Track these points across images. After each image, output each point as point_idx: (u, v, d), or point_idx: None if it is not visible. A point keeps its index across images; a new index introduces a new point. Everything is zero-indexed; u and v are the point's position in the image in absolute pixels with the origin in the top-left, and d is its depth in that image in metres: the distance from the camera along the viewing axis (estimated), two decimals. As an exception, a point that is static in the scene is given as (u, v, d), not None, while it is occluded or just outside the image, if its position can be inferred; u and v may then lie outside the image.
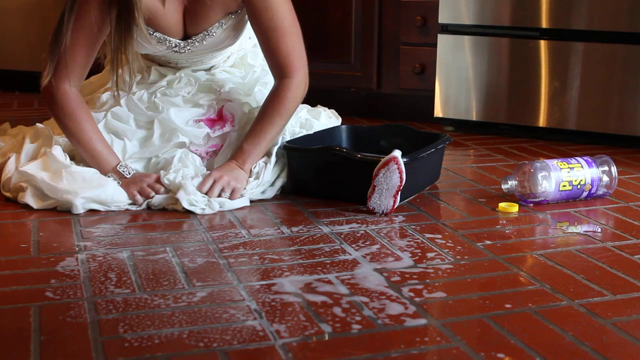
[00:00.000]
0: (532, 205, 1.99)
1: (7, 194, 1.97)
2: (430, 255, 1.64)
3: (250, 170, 1.98)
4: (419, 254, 1.64)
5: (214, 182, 1.91)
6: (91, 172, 1.94)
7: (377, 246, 1.69)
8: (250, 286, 1.47)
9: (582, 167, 2.00)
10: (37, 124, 2.14)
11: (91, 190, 1.87)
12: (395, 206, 1.89)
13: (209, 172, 1.97)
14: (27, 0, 3.49)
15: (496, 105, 2.78)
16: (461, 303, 1.41)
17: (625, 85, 2.59)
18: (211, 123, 2.06)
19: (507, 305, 1.39)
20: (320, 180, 2.00)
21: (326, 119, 2.35)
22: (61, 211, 1.88)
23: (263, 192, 1.99)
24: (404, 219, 1.88)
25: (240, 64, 2.24)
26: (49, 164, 1.93)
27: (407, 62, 2.94)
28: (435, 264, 1.59)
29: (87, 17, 1.88)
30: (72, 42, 1.90)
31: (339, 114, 2.48)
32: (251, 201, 1.97)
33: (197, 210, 1.87)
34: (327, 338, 1.27)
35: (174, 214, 1.88)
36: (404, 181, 1.85)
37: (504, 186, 2.03)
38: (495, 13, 2.71)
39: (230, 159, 1.99)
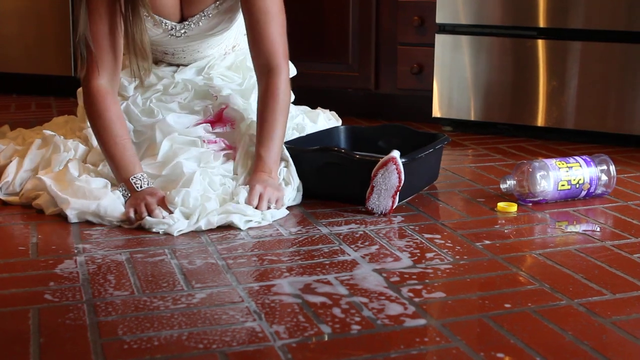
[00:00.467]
0: (530, 204, 1.99)
1: (9, 199, 1.96)
2: (429, 255, 1.64)
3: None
4: (418, 254, 1.64)
5: (261, 196, 1.86)
6: (96, 185, 1.88)
7: (376, 247, 1.69)
8: (249, 287, 1.47)
9: (580, 166, 2.00)
10: (45, 130, 2.13)
11: (82, 202, 1.82)
12: (394, 206, 1.89)
13: (246, 185, 1.90)
14: (23, 3, 3.49)
15: (494, 105, 2.78)
16: (460, 303, 1.41)
17: (623, 84, 2.59)
18: (211, 125, 2.06)
19: (507, 305, 1.39)
20: (319, 181, 2.00)
21: (325, 120, 2.34)
22: (58, 214, 1.88)
23: (294, 202, 1.98)
24: (403, 219, 1.87)
25: (238, 67, 2.23)
26: (65, 176, 1.92)
27: (405, 62, 2.94)
28: (434, 264, 1.59)
29: (98, 8, 1.88)
30: (93, 35, 1.89)
31: (337, 114, 2.47)
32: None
33: (253, 225, 1.81)
34: (326, 339, 1.27)
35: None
36: (402, 181, 1.85)
37: (502, 186, 2.03)
38: (493, 13, 2.72)
39: (257, 170, 1.92)
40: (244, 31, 2.22)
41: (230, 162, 2.00)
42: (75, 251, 1.65)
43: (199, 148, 1.99)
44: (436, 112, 2.86)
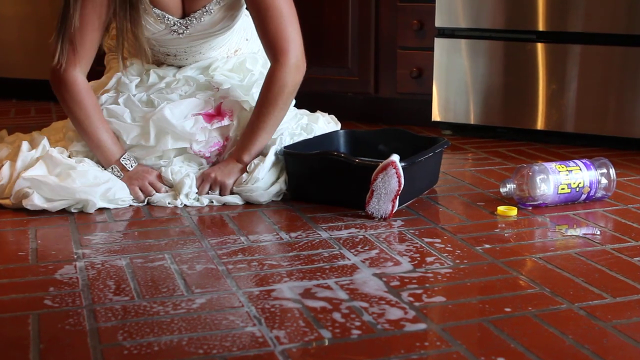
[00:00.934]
0: (530, 208, 1.98)
1: (4, 201, 1.96)
2: (429, 259, 1.64)
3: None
4: (418, 259, 1.64)
5: (203, 181, 2.00)
6: (97, 169, 2.00)
7: (376, 251, 1.69)
8: (249, 292, 1.47)
9: (580, 169, 2.00)
10: (34, 132, 2.14)
11: (103, 186, 1.93)
12: (394, 211, 1.89)
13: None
14: (23, 8, 3.49)
15: (494, 109, 2.78)
16: (461, 307, 1.41)
17: (623, 87, 2.59)
18: (209, 118, 2.06)
19: (507, 309, 1.39)
20: (319, 185, 2.00)
21: (325, 124, 2.34)
22: (59, 218, 1.88)
23: (253, 193, 1.98)
24: (403, 223, 1.87)
25: (239, 69, 2.24)
26: (51, 167, 1.94)
27: (405, 66, 2.94)
28: (434, 268, 1.59)
29: (91, 4, 1.93)
30: (81, 26, 1.95)
31: (337, 118, 2.47)
32: (249, 203, 2.00)
33: (178, 204, 1.97)
34: (326, 344, 1.27)
35: (173, 221, 1.88)
36: (402, 185, 1.85)
37: (502, 190, 2.02)
38: (492, 16, 2.72)
39: (230, 155, 2.05)
40: (246, 36, 2.23)
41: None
42: (75, 256, 1.65)
43: (187, 151, 2.06)
44: (436, 116, 2.86)
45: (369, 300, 1.43)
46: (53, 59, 1.99)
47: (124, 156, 2.01)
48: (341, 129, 2.37)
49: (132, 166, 2.00)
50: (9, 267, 1.60)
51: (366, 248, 1.70)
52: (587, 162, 2.03)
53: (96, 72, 2.20)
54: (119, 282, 1.52)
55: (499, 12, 2.70)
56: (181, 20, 2.03)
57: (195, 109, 2.06)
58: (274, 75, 2.01)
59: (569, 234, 1.80)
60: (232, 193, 2.01)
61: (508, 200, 2.04)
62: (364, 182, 1.88)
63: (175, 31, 2.04)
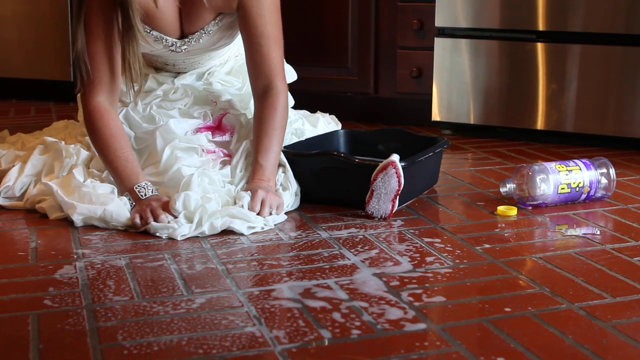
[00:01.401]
0: (530, 208, 1.98)
1: (12, 204, 1.97)
2: (429, 259, 1.64)
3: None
4: (418, 258, 1.64)
5: (263, 202, 1.85)
6: (102, 191, 1.89)
7: (376, 251, 1.69)
8: (249, 292, 1.47)
9: (580, 169, 2.00)
10: (46, 137, 2.14)
11: (89, 207, 1.83)
12: (394, 210, 1.89)
13: (248, 191, 1.89)
14: (23, 8, 3.49)
15: (494, 109, 2.78)
16: (460, 307, 1.41)
17: (623, 87, 2.59)
18: (209, 130, 2.06)
19: (507, 309, 1.39)
20: (319, 185, 2.00)
21: (325, 125, 2.34)
22: (59, 219, 1.88)
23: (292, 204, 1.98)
24: (403, 223, 1.87)
25: (238, 72, 2.24)
26: (71, 181, 1.92)
27: (404, 66, 2.94)
28: (434, 268, 1.59)
29: (95, 26, 1.88)
30: (91, 52, 1.90)
31: (336, 118, 2.47)
32: None
33: (258, 230, 1.81)
34: (326, 343, 1.27)
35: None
36: (402, 185, 1.85)
37: (502, 189, 2.02)
38: (492, 16, 2.72)
39: (255, 179, 1.92)
40: None
41: (228, 167, 2.00)
42: (75, 256, 1.65)
43: (199, 157, 1.99)
44: (436, 116, 2.86)
45: (368, 300, 1.43)
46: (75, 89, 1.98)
47: (140, 184, 1.87)
48: (341, 128, 2.37)
49: (146, 195, 1.85)
50: (9, 267, 1.60)
51: (366, 248, 1.70)
52: (587, 161, 2.03)
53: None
54: (118, 282, 1.51)
55: (499, 12, 2.70)
56: (179, 41, 2.02)
57: (195, 125, 2.06)
58: (275, 104, 1.98)
59: (568, 233, 1.80)
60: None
61: (508, 200, 2.04)
62: (363, 182, 1.88)
63: (173, 50, 2.04)
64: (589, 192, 2.01)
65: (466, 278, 1.54)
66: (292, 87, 2.14)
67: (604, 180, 2.03)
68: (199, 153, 2.00)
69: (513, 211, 1.94)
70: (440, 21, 2.78)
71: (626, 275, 1.55)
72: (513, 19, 2.70)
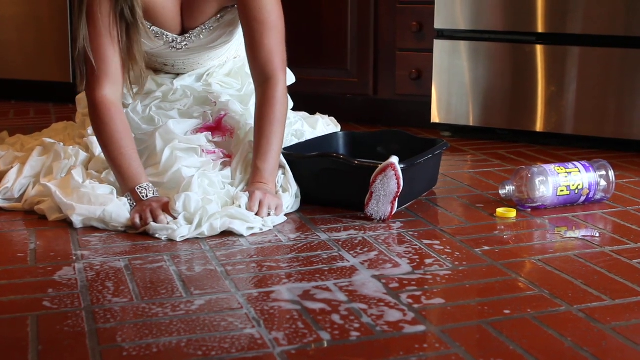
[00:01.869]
0: (530, 210, 1.98)
1: (11, 206, 1.97)
2: (428, 261, 1.64)
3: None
4: (417, 261, 1.64)
5: (261, 202, 1.85)
6: (101, 192, 1.88)
7: (375, 253, 1.69)
8: (248, 294, 1.47)
9: (579, 171, 2.00)
10: (45, 138, 2.14)
11: (88, 207, 1.83)
12: (393, 212, 1.89)
13: (246, 192, 1.88)
14: (22, 9, 3.49)
15: (493, 111, 2.78)
16: (460, 309, 1.41)
17: (622, 89, 2.60)
18: (208, 130, 2.06)
19: (506, 311, 1.39)
20: (318, 187, 2.00)
21: (324, 126, 2.35)
22: (59, 220, 1.88)
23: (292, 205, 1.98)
24: (402, 225, 1.87)
25: (237, 73, 2.24)
26: (69, 182, 1.92)
27: (404, 68, 2.94)
28: (433, 270, 1.59)
29: (98, 19, 1.88)
30: (95, 46, 1.89)
31: (336, 120, 2.48)
32: None
33: (257, 230, 1.81)
34: (325, 345, 1.27)
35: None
36: (401, 187, 1.85)
37: (501, 191, 2.02)
38: (491, 18, 2.72)
39: (254, 181, 1.92)
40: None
41: (228, 168, 2.00)
42: (74, 258, 1.65)
43: (198, 157, 1.99)
44: (435, 118, 2.86)
45: (368, 302, 1.43)
46: (78, 83, 1.97)
47: (141, 185, 1.85)
48: (340, 130, 2.37)
49: (147, 196, 1.84)
50: (8, 269, 1.60)
51: (365, 250, 1.70)
52: (586, 164, 2.03)
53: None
54: (117, 283, 1.51)
55: (499, 14, 2.71)
56: (180, 37, 2.02)
57: (195, 126, 2.06)
58: (272, 94, 1.97)
59: (568, 236, 1.80)
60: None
61: (507, 202, 2.04)
62: (363, 184, 1.88)
63: (173, 47, 2.04)
64: (588, 195, 2.01)
65: (465, 280, 1.54)
66: (291, 89, 2.13)
67: (603, 183, 2.03)
68: (199, 153, 2.00)
69: (512, 213, 1.94)
70: (439, 23, 2.78)
71: (625, 278, 1.55)
72: (512, 21, 2.70)
